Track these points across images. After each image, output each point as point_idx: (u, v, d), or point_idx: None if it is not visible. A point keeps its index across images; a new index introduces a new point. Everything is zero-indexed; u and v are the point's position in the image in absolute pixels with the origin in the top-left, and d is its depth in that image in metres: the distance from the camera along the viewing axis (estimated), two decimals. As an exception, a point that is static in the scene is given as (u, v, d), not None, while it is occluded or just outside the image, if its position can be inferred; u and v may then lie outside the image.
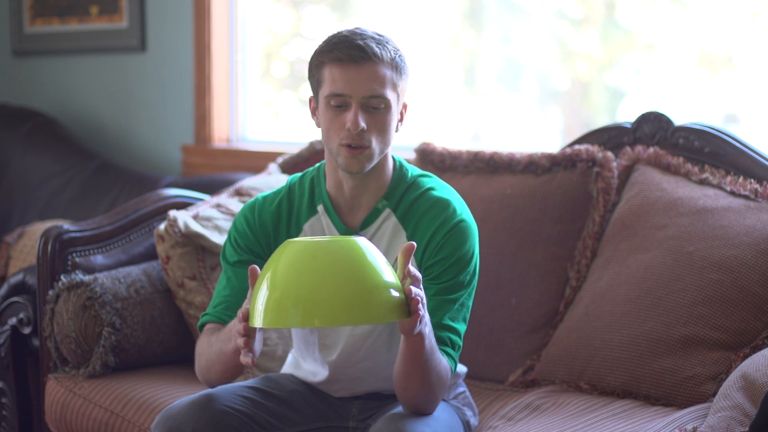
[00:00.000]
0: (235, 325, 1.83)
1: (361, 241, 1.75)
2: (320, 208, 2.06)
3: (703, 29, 3.08)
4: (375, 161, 1.97)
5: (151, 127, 3.87)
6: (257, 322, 1.72)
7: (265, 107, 3.87)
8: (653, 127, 2.57)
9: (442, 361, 1.91)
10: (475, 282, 2.02)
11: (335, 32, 1.98)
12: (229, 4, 3.69)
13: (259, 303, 1.72)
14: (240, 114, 3.75)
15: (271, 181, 2.85)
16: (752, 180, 2.37)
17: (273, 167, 2.99)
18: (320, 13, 3.86)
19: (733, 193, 2.36)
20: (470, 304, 2.01)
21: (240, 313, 1.79)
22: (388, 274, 1.73)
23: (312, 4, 3.88)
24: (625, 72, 3.29)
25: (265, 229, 2.07)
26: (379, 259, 1.74)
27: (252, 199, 2.12)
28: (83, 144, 3.88)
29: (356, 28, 1.97)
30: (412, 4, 3.51)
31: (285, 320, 1.69)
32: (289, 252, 1.73)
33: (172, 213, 2.62)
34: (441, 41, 3.52)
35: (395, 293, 1.72)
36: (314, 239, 1.75)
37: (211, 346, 1.97)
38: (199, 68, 3.67)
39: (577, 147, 2.59)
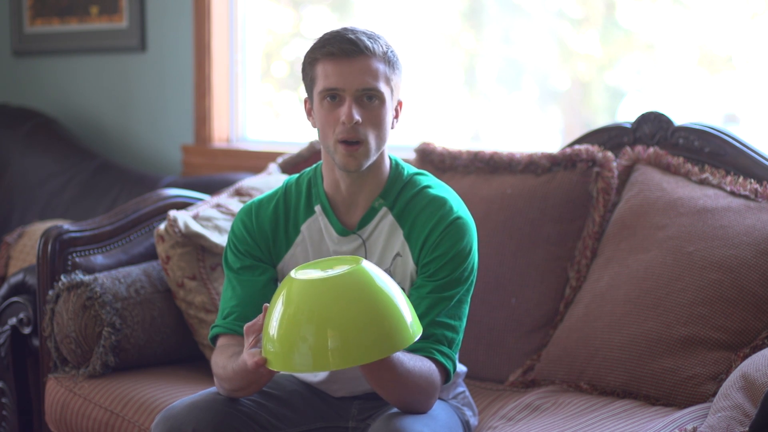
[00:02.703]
0: (249, 361, 1.82)
1: (369, 269, 1.75)
2: (317, 208, 2.05)
3: (703, 29, 3.08)
4: (372, 158, 1.97)
5: (151, 127, 3.87)
6: (294, 368, 1.72)
7: (265, 107, 3.87)
8: (653, 127, 2.57)
9: (418, 366, 1.90)
10: (473, 279, 2.01)
11: (327, 31, 1.99)
12: (229, 4, 3.69)
13: (298, 353, 1.70)
14: (240, 114, 3.75)
15: (271, 181, 2.85)
16: (752, 180, 2.37)
17: (273, 167, 2.99)
18: (320, 13, 3.86)
19: (733, 193, 2.36)
20: (468, 300, 2.01)
21: (251, 359, 1.79)
22: (402, 302, 1.75)
23: (312, 4, 3.88)
24: (625, 72, 3.29)
25: (264, 233, 2.07)
26: (392, 287, 1.76)
27: (248, 203, 2.11)
28: (83, 144, 3.88)
29: (347, 26, 1.98)
30: (412, 4, 3.51)
31: (325, 366, 1.70)
32: (310, 295, 1.71)
33: (172, 213, 2.62)
34: (441, 41, 3.52)
35: (409, 318, 1.76)
36: (321, 276, 1.74)
37: (225, 370, 1.96)
38: (199, 68, 3.68)
39: (577, 147, 2.59)
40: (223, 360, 1.97)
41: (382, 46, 1.95)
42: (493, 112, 3.46)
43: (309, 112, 2.03)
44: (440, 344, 1.95)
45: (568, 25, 3.34)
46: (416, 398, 1.90)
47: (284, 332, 1.71)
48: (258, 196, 2.13)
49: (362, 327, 1.68)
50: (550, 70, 3.36)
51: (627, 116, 2.90)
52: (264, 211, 2.08)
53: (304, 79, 2.00)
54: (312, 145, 3.02)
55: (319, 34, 1.99)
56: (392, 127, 2.00)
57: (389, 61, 1.96)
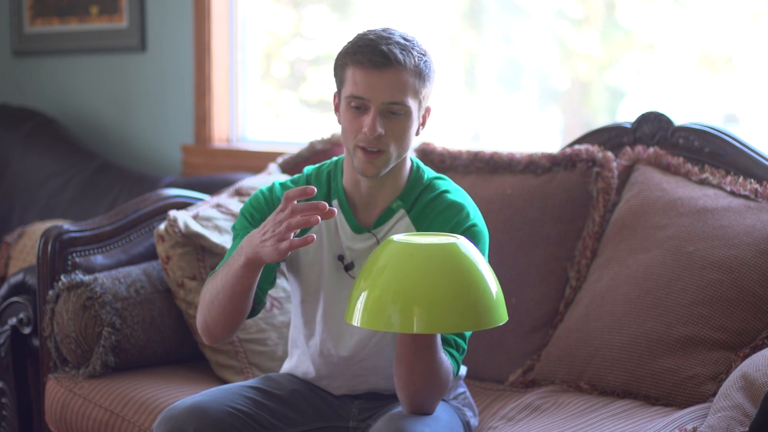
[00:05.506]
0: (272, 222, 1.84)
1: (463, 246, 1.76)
2: (335, 203, 2.06)
3: (703, 29, 3.08)
4: (391, 166, 1.97)
5: (151, 127, 3.87)
6: (381, 325, 1.72)
7: (265, 107, 3.87)
8: (653, 127, 2.57)
9: (446, 360, 1.90)
10: None
11: (364, 32, 1.97)
12: (229, 4, 3.69)
13: (388, 308, 1.71)
14: (240, 114, 3.75)
15: (271, 181, 2.84)
16: (752, 180, 2.37)
17: (273, 167, 2.99)
18: (320, 13, 3.86)
19: (733, 193, 2.36)
20: None
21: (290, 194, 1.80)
22: (491, 279, 1.76)
23: (312, 4, 3.88)
24: (625, 72, 3.29)
25: None
26: (481, 263, 1.76)
27: (268, 185, 2.11)
28: (83, 144, 3.88)
29: (384, 30, 1.95)
30: (412, 4, 3.51)
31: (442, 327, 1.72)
32: (409, 256, 1.73)
33: (172, 213, 2.62)
34: (441, 41, 3.52)
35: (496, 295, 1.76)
36: (420, 242, 1.75)
37: (215, 278, 1.96)
38: (199, 68, 3.68)
39: (577, 147, 2.59)
40: (211, 279, 1.99)
41: (414, 57, 1.93)
42: (493, 112, 3.46)
43: (336, 108, 2.03)
44: (450, 347, 1.94)
45: (568, 25, 3.34)
46: (434, 393, 1.89)
47: (381, 288, 1.72)
48: (278, 180, 2.12)
49: (451, 297, 1.70)
50: (550, 70, 3.36)
51: (627, 116, 2.90)
52: (285, 192, 2.07)
53: (334, 76, 2.00)
54: (312, 145, 3.01)
55: (357, 33, 1.97)
56: (417, 134, 2.00)
57: (420, 73, 1.94)
